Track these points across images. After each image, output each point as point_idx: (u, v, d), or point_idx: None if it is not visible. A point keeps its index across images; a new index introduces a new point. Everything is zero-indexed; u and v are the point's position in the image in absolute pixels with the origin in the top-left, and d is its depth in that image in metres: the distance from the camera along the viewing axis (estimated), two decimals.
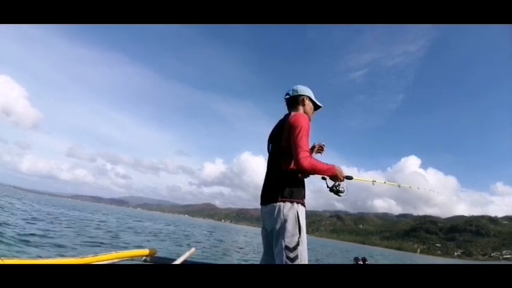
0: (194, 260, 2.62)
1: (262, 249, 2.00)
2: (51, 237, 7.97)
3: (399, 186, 2.71)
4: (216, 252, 11.36)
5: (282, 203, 1.80)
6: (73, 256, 2.00)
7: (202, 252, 10.44)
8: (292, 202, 1.81)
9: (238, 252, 12.76)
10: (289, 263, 1.67)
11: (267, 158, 2.11)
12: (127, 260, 2.32)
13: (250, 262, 9.66)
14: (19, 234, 7.35)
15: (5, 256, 1.53)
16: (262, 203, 1.95)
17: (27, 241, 6.85)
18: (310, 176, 1.99)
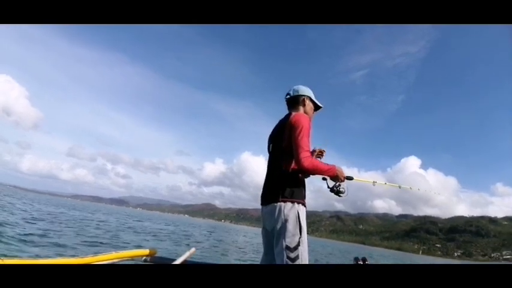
0: (194, 260, 2.62)
1: (262, 249, 2.00)
2: (51, 237, 7.97)
3: (400, 187, 2.70)
4: (216, 252, 11.37)
5: (282, 203, 1.80)
6: (73, 256, 2.00)
7: (202, 252, 10.44)
8: (293, 202, 1.81)
9: (238, 252, 12.76)
10: (290, 263, 1.68)
11: (267, 158, 2.11)
12: (127, 260, 2.32)
13: (250, 262, 9.66)
14: (19, 234, 7.35)
15: (5, 256, 1.53)
16: (262, 203, 1.95)
17: (27, 241, 6.85)
18: (311, 176, 1.99)
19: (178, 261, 2.31)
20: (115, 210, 59.51)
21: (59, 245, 7.06)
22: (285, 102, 2.15)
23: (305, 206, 1.87)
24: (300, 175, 1.91)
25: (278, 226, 1.77)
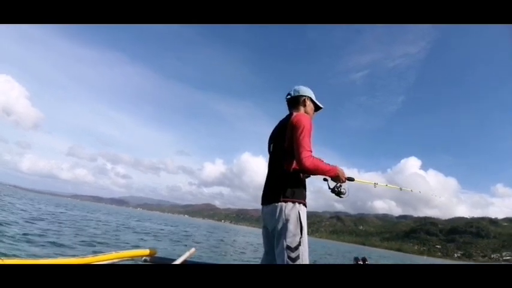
0: (194, 260, 2.62)
1: (262, 250, 2.00)
2: (51, 237, 7.97)
3: (401, 189, 2.69)
4: (216, 253, 11.36)
5: (283, 203, 1.80)
6: (73, 256, 2.00)
7: (202, 252, 10.44)
8: (294, 202, 1.81)
9: (238, 252, 12.75)
10: (291, 263, 1.68)
11: (267, 158, 2.11)
12: (127, 260, 2.32)
13: (250, 262, 9.66)
14: (19, 234, 7.35)
15: (5, 256, 1.53)
16: (263, 203, 1.95)
17: (27, 240, 6.85)
18: (312, 176, 1.99)
19: (178, 261, 2.31)
20: (115, 210, 59.52)
21: (59, 245, 7.06)
22: (286, 103, 2.16)
23: (306, 206, 1.87)
24: (301, 175, 1.91)
25: (279, 226, 1.78)
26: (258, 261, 2.10)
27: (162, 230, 18.56)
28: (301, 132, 1.81)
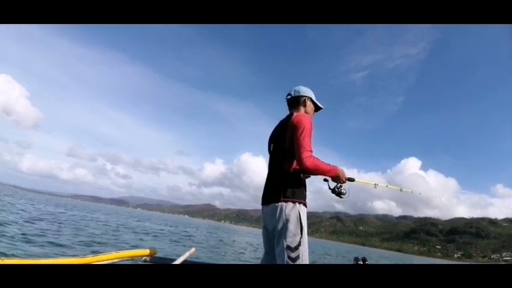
0: (194, 260, 2.62)
1: (261, 250, 2.01)
2: (51, 237, 7.97)
3: (401, 190, 2.69)
4: (215, 253, 11.36)
5: (284, 203, 1.80)
6: (73, 256, 2.00)
7: (202, 252, 10.44)
8: (294, 202, 1.81)
9: (237, 253, 12.75)
10: (291, 263, 1.68)
11: (267, 158, 2.11)
12: (127, 260, 2.32)
13: (250, 262, 9.65)
14: (19, 234, 7.35)
15: (5, 256, 1.53)
16: (263, 203, 1.95)
17: (27, 240, 6.85)
18: (312, 176, 1.99)
19: (178, 261, 2.31)
20: (115, 211, 59.49)
21: (58, 245, 7.05)
22: (286, 103, 2.16)
23: (306, 206, 1.87)
24: (301, 175, 1.91)
25: (279, 226, 1.78)
26: (258, 262, 2.10)
27: (161, 230, 18.55)
28: (302, 132, 1.81)
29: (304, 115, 1.95)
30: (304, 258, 1.72)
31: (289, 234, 1.74)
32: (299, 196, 1.85)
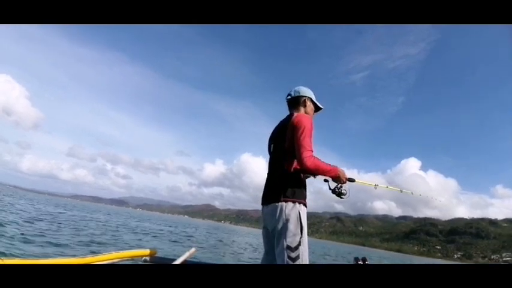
0: (194, 260, 2.62)
1: (261, 250, 2.01)
2: (51, 237, 7.96)
3: (401, 191, 2.68)
4: (215, 253, 11.35)
5: (284, 203, 1.80)
6: (73, 256, 2.00)
7: (202, 252, 10.44)
8: (294, 202, 1.81)
9: (237, 253, 12.74)
10: (291, 262, 1.68)
11: (267, 158, 2.11)
12: (127, 260, 2.32)
13: (250, 262, 9.64)
14: (18, 234, 7.35)
15: (5, 256, 1.53)
16: (263, 203, 1.96)
17: (26, 241, 6.85)
18: (312, 176, 1.99)
19: (178, 261, 2.31)
20: (115, 211, 59.44)
21: (58, 245, 7.05)
22: (286, 103, 2.16)
23: (306, 206, 1.88)
24: (301, 175, 1.91)
25: (279, 226, 1.78)
26: (257, 262, 2.10)
27: (161, 230, 18.53)
28: (302, 132, 1.81)
29: (304, 115, 1.96)
30: (304, 258, 1.72)
31: (289, 234, 1.74)
32: (299, 196, 1.85)
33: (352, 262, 2.44)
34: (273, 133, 2.10)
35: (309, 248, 1.82)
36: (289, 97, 2.13)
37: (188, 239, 14.76)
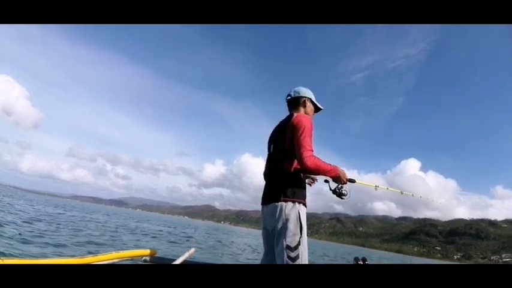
0: (194, 260, 2.62)
1: (260, 251, 2.01)
2: (50, 237, 7.96)
3: (402, 193, 2.68)
4: (215, 253, 11.34)
5: (284, 203, 1.81)
6: (73, 256, 2.00)
7: (202, 252, 10.43)
8: (294, 202, 1.82)
9: (237, 253, 12.73)
10: (290, 262, 1.68)
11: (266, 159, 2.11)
12: (127, 260, 2.32)
13: (249, 262, 9.63)
14: (17, 234, 7.34)
15: (5, 256, 1.53)
16: (263, 203, 1.96)
17: (25, 241, 6.84)
18: (312, 177, 1.99)
19: (178, 261, 2.31)
20: (114, 211, 59.39)
21: (56, 245, 7.04)
22: (286, 103, 2.16)
23: (306, 206, 1.88)
24: (301, 175, 1.92)
25: (279, 226, 1.78)
26: (258, 262, 2.10)
27: (160, 231, 18.52)
28: (302, 132, 1.82)
29: (304, 116, 1.96)
30: (304, 257, 1.72)
31: (289, 233, 1.74)
32: (299, 196, 1.85)
33: (352, 262, 2.44)
34: (272, 133, 2.10)
35: (308, 248, 1.82)
36: (289, 98, 2.13)
37: (187, 240, 14.73)
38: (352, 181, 2.07)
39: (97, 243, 8.43)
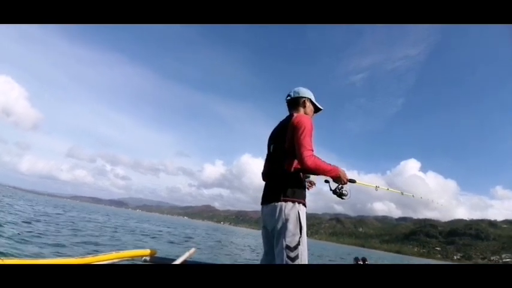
0: (194, 260, 2.62)
1: (259, 252, 2.00)
2: (50, 238, 7.95)
3: (402, 194, 2.68)
4: (215, 254, 11.34)
5: (283, 203, 1.81)
6: (73, 256, 1.99)
7: (202, 252, 10.43)
8: (293, 202, 1.82)
9: (234, 254, 12.72)
10: (290, 262, 1.68)
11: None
12: (127, 260, 2.32)
13: (249, 262, 9.62)
14: (16, 234, 7.34)
15: (4, 256, 1.53)
16: (263, 203, 1.96)
17: (25, 241, 6.84)
18: (312, 177, 1.99)
19: (178, 261, 2.31)
20: (114, 212, 59.35)
21: (55, 246, 7.04)
22: (286, 104, 2.16)
23: (305, 206, 1.88)
24: (301, 175, 1.92)
25: (279, 226, 1.78)
26: (258, 262, 2.09)
27: (159, 231, 18.50)
28: (303, 132, 1.82)
29: (304, 116, 1.97)
30: (304, 257, 1.72)
31: (289, 233, 1.74)
32: (299, 196, 1.85)
33: (352, 263, 2.44)
34: (272, 133, 2.10)
35: (308, 250, 1.82)
36: (288, 98, 2.13)
37: (186, 241, 14.72)
38: (353, 181, 2.06)
39: (95, 244, 8.43)
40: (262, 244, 2.02)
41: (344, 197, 1.99)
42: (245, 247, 17.84)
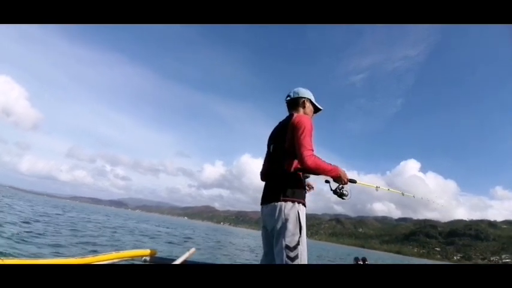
0: (194, 260, 2.62)
1: (259, 252, 2.00)
2: (49, 238, 7.95)
3: (403, 194, 2.68)
4: (215, 254, 11.33)
5: (283, 203, 1.81)
6: (73, 256, 1.99)
7: (202, 252, 10.42)
8: (293, 202, 1.82)
9: (233, 254, 12.71)
10: (290, 262, 1.68)
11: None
12: (127, 260, 2.32)
13: (249, 263, 9.62)
14: (15, 235, 7.34)
15: (4, 256, 1.53)
16: (263, 203, 1.96)
17: (24, 241, 6.84)
18: (312, 177, 1.99)
19: (178, 261, 2.31)
20: (114, 212, 59.30)
21: (54, 246, 7.04)
22: (285, 104, 2.16)
23: (305, 206, 1.88)
24: (301, 175, 1.92)
25: (278, 226, 1.78)
26: (258, 262, 2.09)
27: (159, 232, 18.49)
28: (303, 132, 1.82)
29: (304, 116, 1.97)
30: (303, 257, 1.72)
31: (288, 233, 1.74)
32: (298, 196, 1.85)
33: (351, 263, 2.44)
34: (272, 133, 2.10)
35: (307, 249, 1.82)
36: (288, 98, 2.13)
37: (185, 241, 14.71)
38: (353, 181, 2.06)
39: (94, 244, 8.43)
40: (261, 245, 2.02)
41: (344, 197, 1.99)
42: (244, 248, 17.83)
